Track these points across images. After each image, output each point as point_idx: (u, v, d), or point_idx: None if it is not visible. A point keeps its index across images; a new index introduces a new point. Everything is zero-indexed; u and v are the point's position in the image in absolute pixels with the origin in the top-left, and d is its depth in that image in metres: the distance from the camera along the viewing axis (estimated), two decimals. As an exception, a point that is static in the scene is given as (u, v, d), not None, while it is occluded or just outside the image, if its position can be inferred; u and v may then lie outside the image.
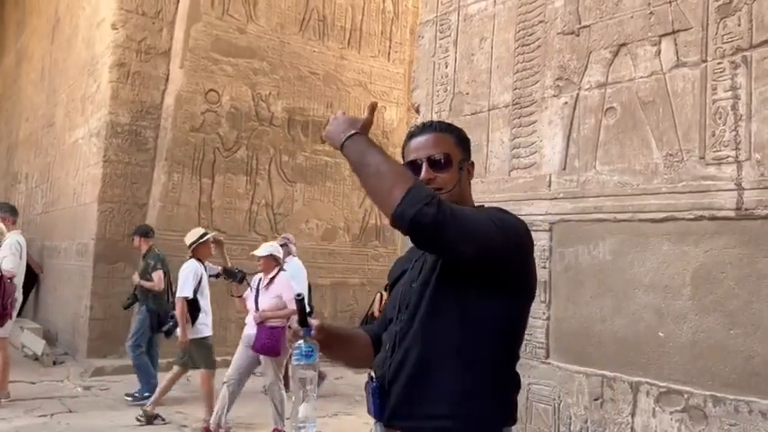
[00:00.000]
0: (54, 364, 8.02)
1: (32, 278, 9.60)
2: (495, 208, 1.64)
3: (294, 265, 7.09)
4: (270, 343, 5.23)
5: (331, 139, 1.59)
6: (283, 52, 9.07)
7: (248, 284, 5.76)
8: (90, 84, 9.08)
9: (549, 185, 3.23)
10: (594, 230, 3.00)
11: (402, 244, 6.50)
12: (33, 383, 6.90)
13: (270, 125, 8.97)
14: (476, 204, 1.76)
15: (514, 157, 3.44)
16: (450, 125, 1.82)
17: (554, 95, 3.26)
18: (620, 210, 2.90)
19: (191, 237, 5.85)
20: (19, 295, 6.40)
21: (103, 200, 8.13)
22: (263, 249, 5.60)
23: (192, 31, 8.34)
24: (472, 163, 1.79)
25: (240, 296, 5.82)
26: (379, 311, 5.07)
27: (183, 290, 5.58)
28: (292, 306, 5.23)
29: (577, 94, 3.15)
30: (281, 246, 7.24)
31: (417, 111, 4.12)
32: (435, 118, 3.95)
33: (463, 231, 1.44)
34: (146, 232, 6.94)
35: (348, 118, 1.60)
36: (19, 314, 8.59)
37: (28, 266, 8.39)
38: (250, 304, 5.50)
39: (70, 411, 5.95)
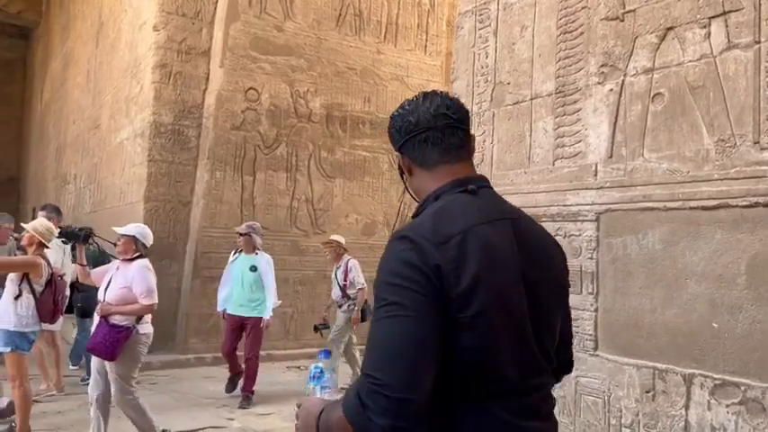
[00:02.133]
0: (105, 359, 8.24)
1: None
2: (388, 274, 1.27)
3: (265, 261, 6.40)
4: (104, 344, 4.18)
5: None
6: (320, 48, 9.11)
7: (96, 244, 4.98)
8: (133, 85, 9.28)
9: (596, 174, 3.17)
10: (643, 219, 2.93)
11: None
12: (85, 378, 7.10)
13: (308, 121, 9.03)
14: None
15: (558, 147, 3.39)
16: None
17: (598, 83, 3.20)
18: (669, 198, 2.82)
19: None
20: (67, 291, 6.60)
21: (149, 198, 8.32)
22: (128, 228, 4.55)
23: (230, 31, 8.44)
24: (401, 154, 1.51)
25: (85, 264, 4.75)
26: None
27: None
28: (146, 301, 4.29)
29: (623, 81, 3.08)
30: (243, 235, 6.33)
31: (457, 102, 4.08)
32: (476, 109, 3.91)
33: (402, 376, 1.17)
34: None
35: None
36: (70, 311, 8.86)
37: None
38: (99, 294, 4.43)
39: (121, 405, 6.11)
